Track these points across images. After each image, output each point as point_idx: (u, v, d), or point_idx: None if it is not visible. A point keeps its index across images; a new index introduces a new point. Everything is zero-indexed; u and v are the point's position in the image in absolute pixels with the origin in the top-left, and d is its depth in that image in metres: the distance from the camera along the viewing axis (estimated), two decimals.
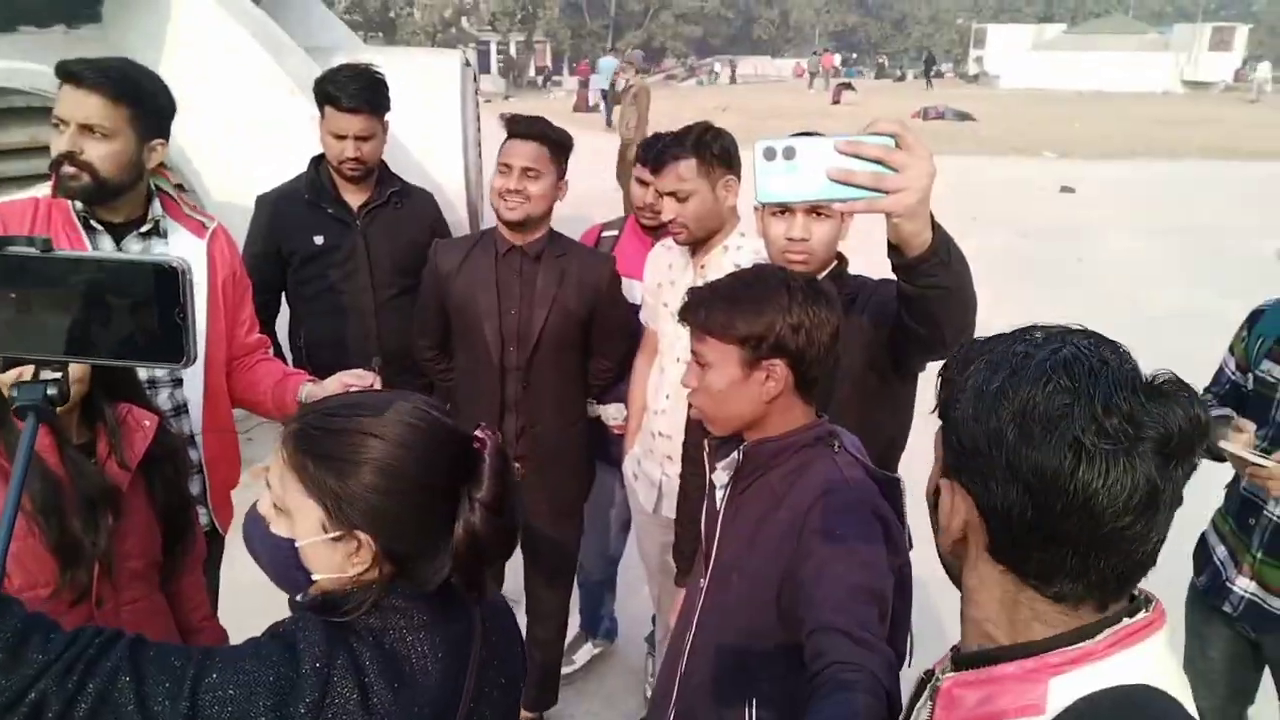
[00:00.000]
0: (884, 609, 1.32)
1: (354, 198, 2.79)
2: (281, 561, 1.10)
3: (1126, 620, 0.80)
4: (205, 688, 0.96)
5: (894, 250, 1.37)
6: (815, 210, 1.88)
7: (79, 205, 1.97)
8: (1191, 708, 0.79)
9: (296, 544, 1.08)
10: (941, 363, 0.90)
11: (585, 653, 3.28)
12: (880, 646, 1.23)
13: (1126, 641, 0.79)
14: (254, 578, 1.13)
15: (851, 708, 1.12)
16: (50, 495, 1.54)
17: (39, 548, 1.53)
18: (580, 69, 33.08)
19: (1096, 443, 0.74)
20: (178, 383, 2.11)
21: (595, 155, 10.48)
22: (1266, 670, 2.16)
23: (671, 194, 2.34)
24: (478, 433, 1.13)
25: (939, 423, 0.89)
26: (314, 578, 1.09)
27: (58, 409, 0.98)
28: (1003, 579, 0.83)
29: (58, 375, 0.96)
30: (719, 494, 1.67)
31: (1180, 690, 0.80)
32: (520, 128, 2.43)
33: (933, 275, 1.36)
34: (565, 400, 2.62)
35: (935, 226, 1.33)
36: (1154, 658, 0.80)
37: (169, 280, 0.93)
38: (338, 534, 1.06)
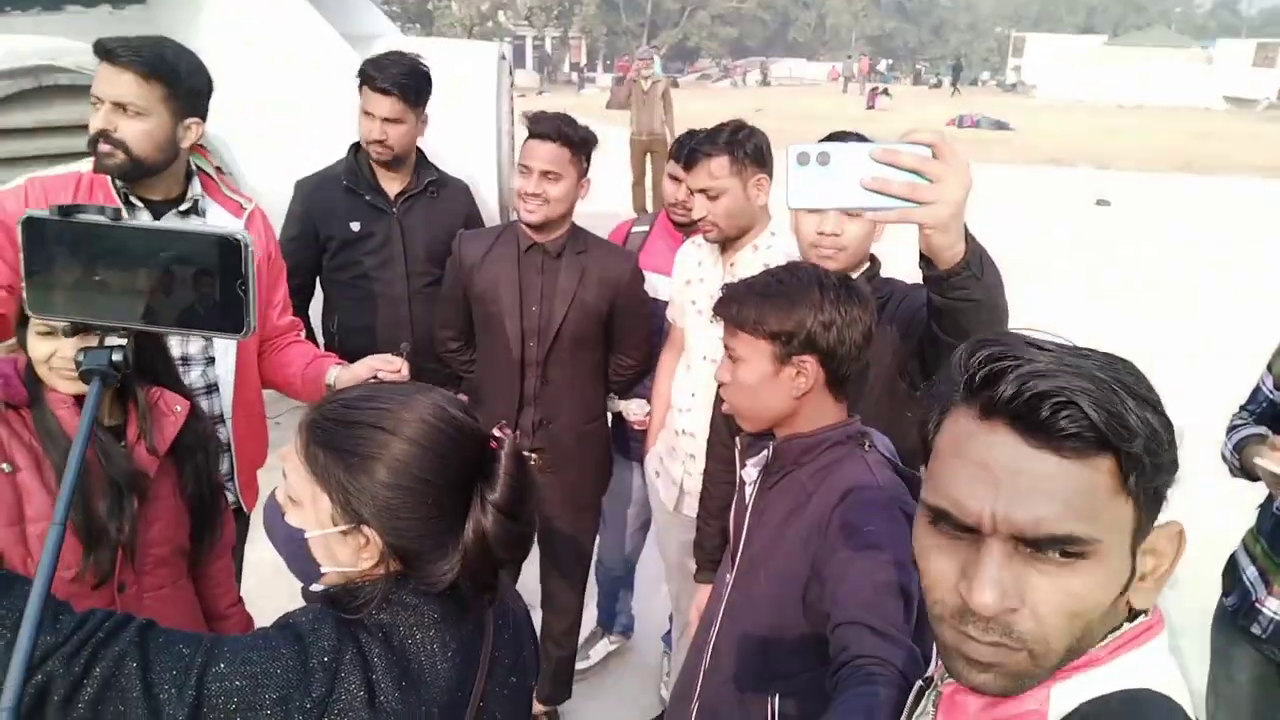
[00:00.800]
0: (911, 606, 1.31)
1: (391, 185, 2.81)
2: (293, 551, 1.09)
3: (1126, 625, 0.79)
4: (212, 676, 0.95)
5: (925, 261, 1.35)
6: (847, 210, 1.86)
7: (118, 182, 1.99)
8: (1191, 712, 0.79)
9: (306, 535, 1.07)
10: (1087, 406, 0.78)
11: (601, 649, 3.28)
12: (905, 641, 1.22)
13: (1127, 647, 0.78)
14: (277, 559, 1.14)
15: (874, 700, 1.12)
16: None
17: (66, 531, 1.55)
18: (620, 66, 33.16)
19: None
20: (210, 361, 2.13)
21: (626, 153, 10.50)
22: None
23: (703, 191, 2.33)
24: (495, 432, 1.11)
25: None
26: (322, 570, 1.08)
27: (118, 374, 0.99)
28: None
29: (122, 342, 0.98)
30: (748, 490, 1.67)
31: (1180, 694, 0.79)
32: (541, 128, 2.39)
33: (964, 288, 1.34)
34: (584, 397, 2.62)
35: (969, 238, 1.31)
36: (1154, 661, 0.79)
37: (232, 252, 0.94)
38: (345, 528, 1.05)
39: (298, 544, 1.08)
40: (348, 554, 1.07)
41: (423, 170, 2.87)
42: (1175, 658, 0.81)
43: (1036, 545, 0.72)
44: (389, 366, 1.97)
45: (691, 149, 2.39)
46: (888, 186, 1.13)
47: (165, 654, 0.95)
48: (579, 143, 2.41)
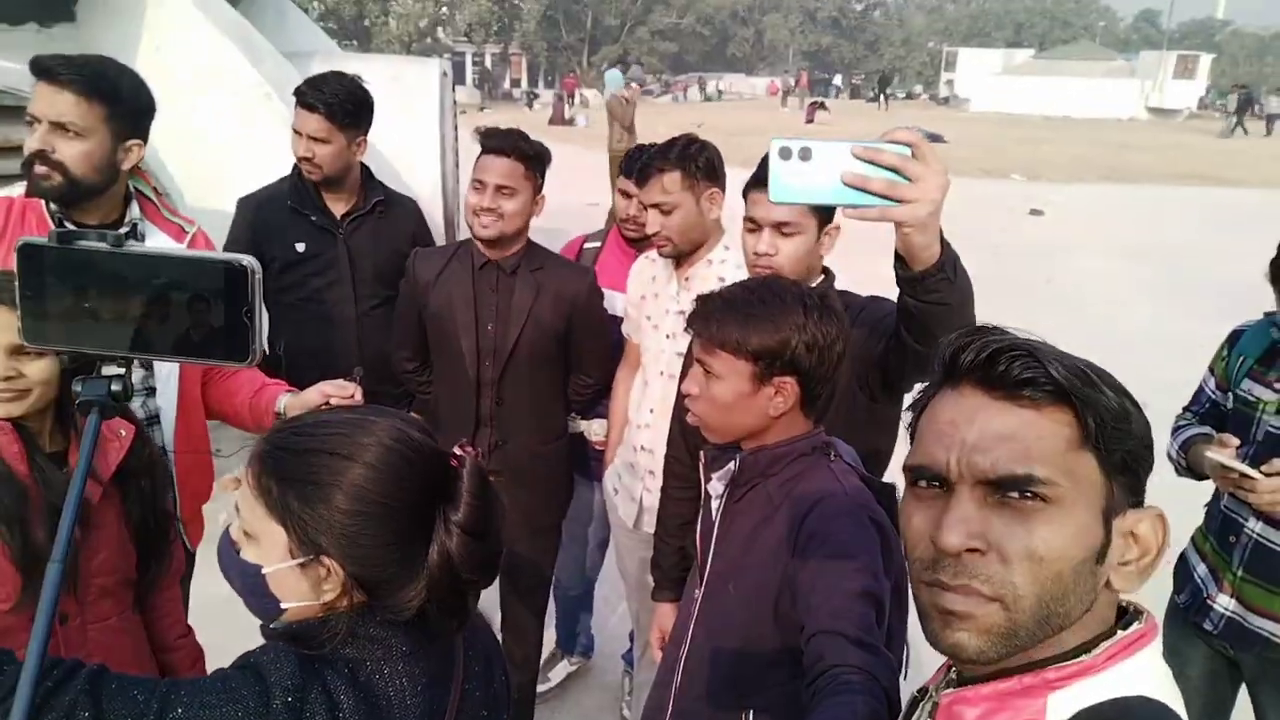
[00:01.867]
0: (881, 613, 1.31)
1: (337, 205, 2.75)
2: (250, 588, 1.04)
3: (1121, 633, 0.80)
4: None
5: (900, 262, 1.36)
6: (781, 227, 1.85)
7: (53, 206, 1.92)
8: (1185, 717, 0.80)
9: (263, 570, 1.02)
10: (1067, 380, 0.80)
11: (561, 670, 3.24)
12: (879, 648, 1.22)
13: (1122, 654, 0.79)
14: (229, 591, 1.09)
15: (852, 709, 1.11)
16: (15, 505, 1.49)
17: (1, 560, 1.48)
18: (566, 83, 33.25)
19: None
20: (150, 391, 2.06)
21: (573, 169, 10.48)
22: (1243, 689, 2.17)
23: (656, 206, 2.32)
24: (456, 450, 1.08)
25: None
26: (283, 606, 1.03)
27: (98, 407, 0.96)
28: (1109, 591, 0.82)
29: (120, 371, 0.96)
30: (714, 505, 1.65)
31: (1174, 700, 0.80)
32: (494, 142, 2.36)
33: (937, 290, 1.36)
34: (542, 416, 2.58)
35: (944, 242, 1.33)
36: (1148, 669, 0.80)
37: (239, 279, 0.92)
38: (304, 560, 1.01)
39: (254, 580, 1.03)
40: (307, 587, 1.02)
41: (370, 189, 2.81)
42: None
43: (1000, 488, 0.77)
44: (341, 392, 1.88)
45: (643, 164, 2.39)
46: (868, 183, 1.14)
47: (119, 701, 0.91)
48: (533, 157, 2.38)
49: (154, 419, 2.06)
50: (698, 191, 2.33)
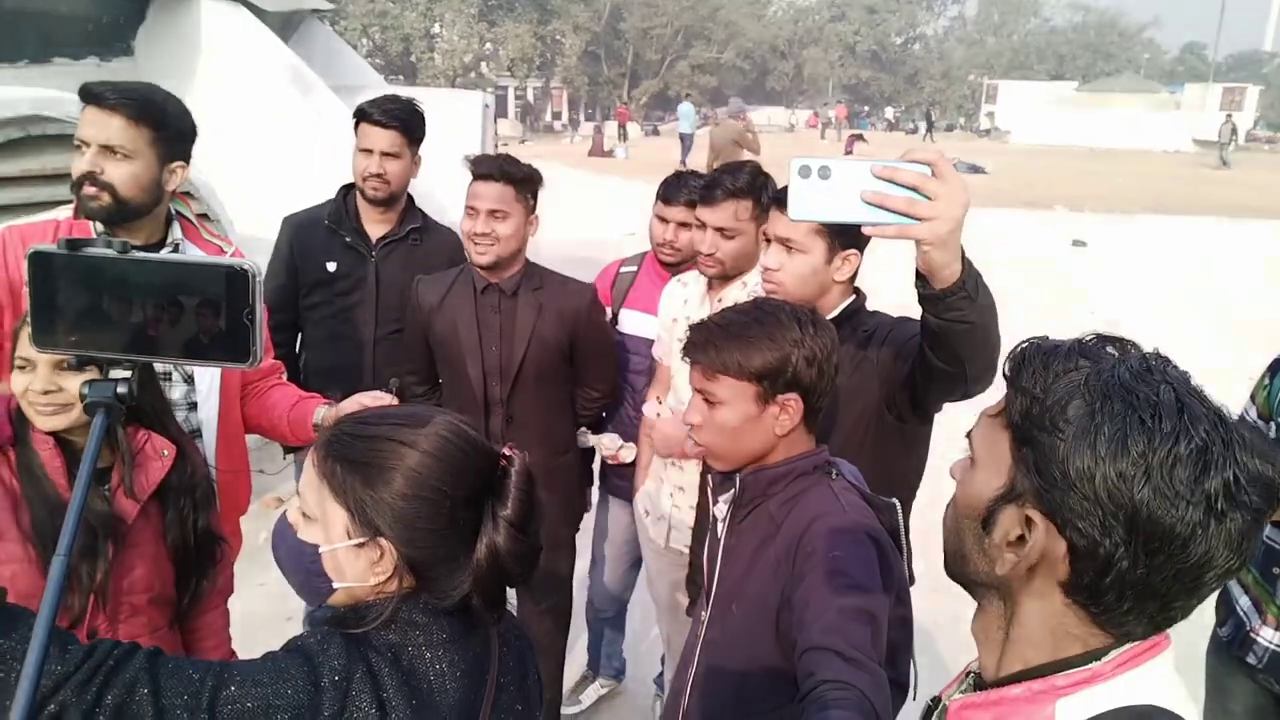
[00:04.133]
0: (878, 630, 1.31)
1: (374, 228, 2.81)
2: (304, 569, 1.09)
3: (1129, 644, 0.80)
4: (223, 700, 0.96)
5: (921, 280, 1.37)
6: (787, 243, 1.88)
7: (99, 226, 1.98)
8: None
9: (320, 549, 1.08)
10: (1007, 364, 0.85)
11: (592, 693, 3.23)
12: (870, 665, 1.21)
13: (1133, 663, 0.79)
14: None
15: None
16: (50, 519, 1.52)
17: (34, 572, 1.50)
18: (618, 113, 33.72)
19: (1227, 509, 0.72)
20: (192, 406, 2.11)
21: (613, 200, 10.59)
22: None
23: (720, 230, 2.34)
24: (505, 450, 1.13)
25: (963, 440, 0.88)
26: (335, 586, 1.08)
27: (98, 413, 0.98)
28: (1065, 611, 0.81)
29: (127, 374, 0.98)
30: (720, 526, 1.65)
31: (1189, 712, 0.80)
32: (483, 169, 2.41)
33: (959, 309, 1.36)
34: (551, 432, 2.60)
35: (965, 261, 1.33)
36: (1161, 678, 0.80)
37: (240, 282, 0.95)
38: (361, 540, 1.06)
39: (309, 560, 1.08)
40: (360, 568, 1.07)
41: (408, 216, 2.87)
42: None
43: None
44: (378, 404, 1.94)
45: (711, 184, 2.38)
46: (887, 201, 1.16)
47: (175, 679, 0.96)
48: (522, 180, 2.43)
49: (196, 432, 2.10)
50: (760, 223, 2.34)
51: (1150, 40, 64.17)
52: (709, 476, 1.76)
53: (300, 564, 1.10)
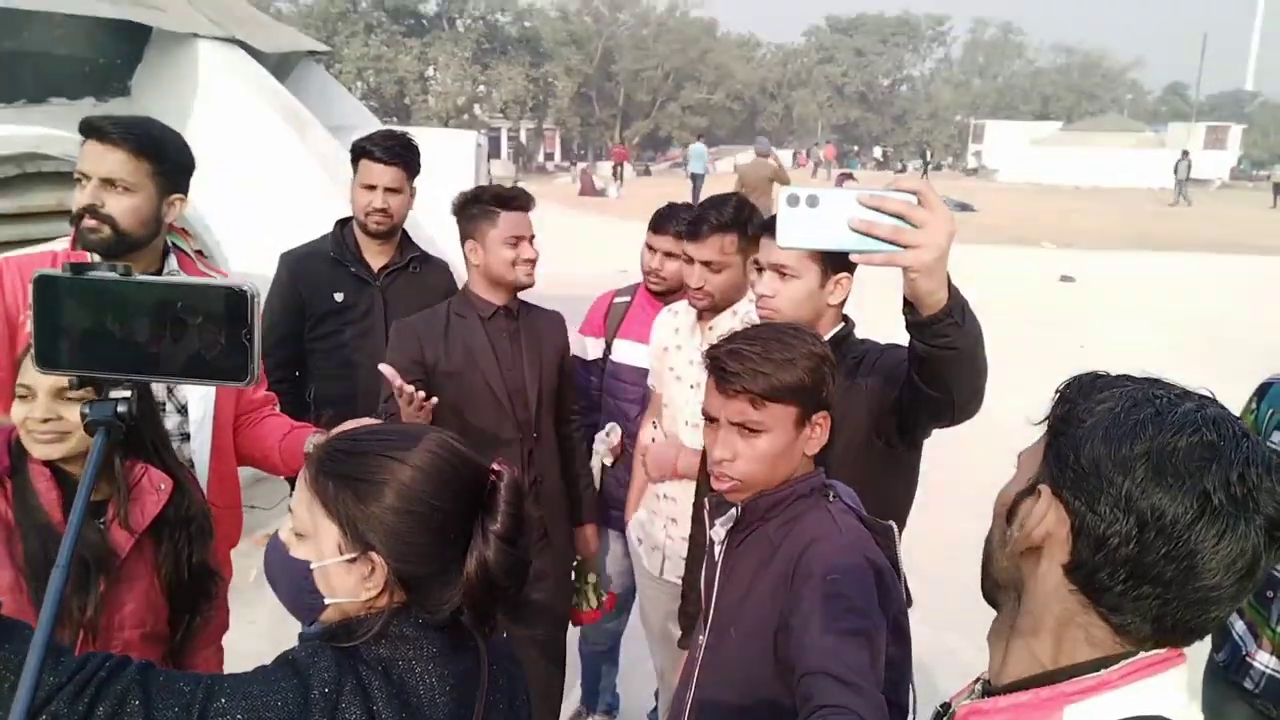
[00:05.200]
0: (876, 653, 1.30)
1: (376, 259, 2.87)
2: (297, 585, 1.11)
3: (1143, 653, 0.81)
4: (214, 712, 0.97)
5: (909, 307, 1.39)
6: (781, 269, 1.90)
7: (96, 258, 1.98)
8: None
9: (312, 566, 1.09)
10: (1063, 383, 0.91)
11: None
12: (869, 690, 1.21)
13: (1143, 673, 0.79)
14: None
15: None
16: (44, 550, 1.51)
17: (25, 603, 1.49)
18: (615, 153, 34.07)
19: (1223, 503, 0.75)
20: (185, 437, 2.10)
21: (607, 238, 10.67)
22: None
23: (706, 264, 2.36)
24: (495, 465, 1.14)
25: (1030, 447, 0.91)
26: (327, 602, 1.10)
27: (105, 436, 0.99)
28: (1068, 598, 0.83)
29: (127, 394, 0.99)
30: (717, 550, 1.65)
31: None
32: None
33: (945, 335, 1.38)
34: (558, 453, 2.67)
35: (952, 288, 1.35)
36: (1171, 692, 0.80)
37: (239, 302, 0.97)
38: (353, 555, 1.08)
39: (301, 577, 1.10)
40: (351, 584, 1.09)
41: (406, 246, 2.94)
42: None
43: None
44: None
45: (697, 219, 2.40)
46: (874, 229, 1.18)
47: (167, 692, 0.97)
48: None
49: (188, 464, 2.08)
50: (746, 255, 2.37)
51: (1133, 81, 65.27)
52: (705, 500, 1.75)
53: (293, 581, 1.11)
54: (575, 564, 2.79)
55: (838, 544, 1.44)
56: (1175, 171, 29.24)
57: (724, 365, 1.49)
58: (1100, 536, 0.79)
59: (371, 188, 2.77)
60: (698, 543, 2.21)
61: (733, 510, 1.61)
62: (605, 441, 2.80)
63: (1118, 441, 0.79)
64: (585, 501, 2.75)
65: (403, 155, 2.79)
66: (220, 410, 2.14)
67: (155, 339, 0.97)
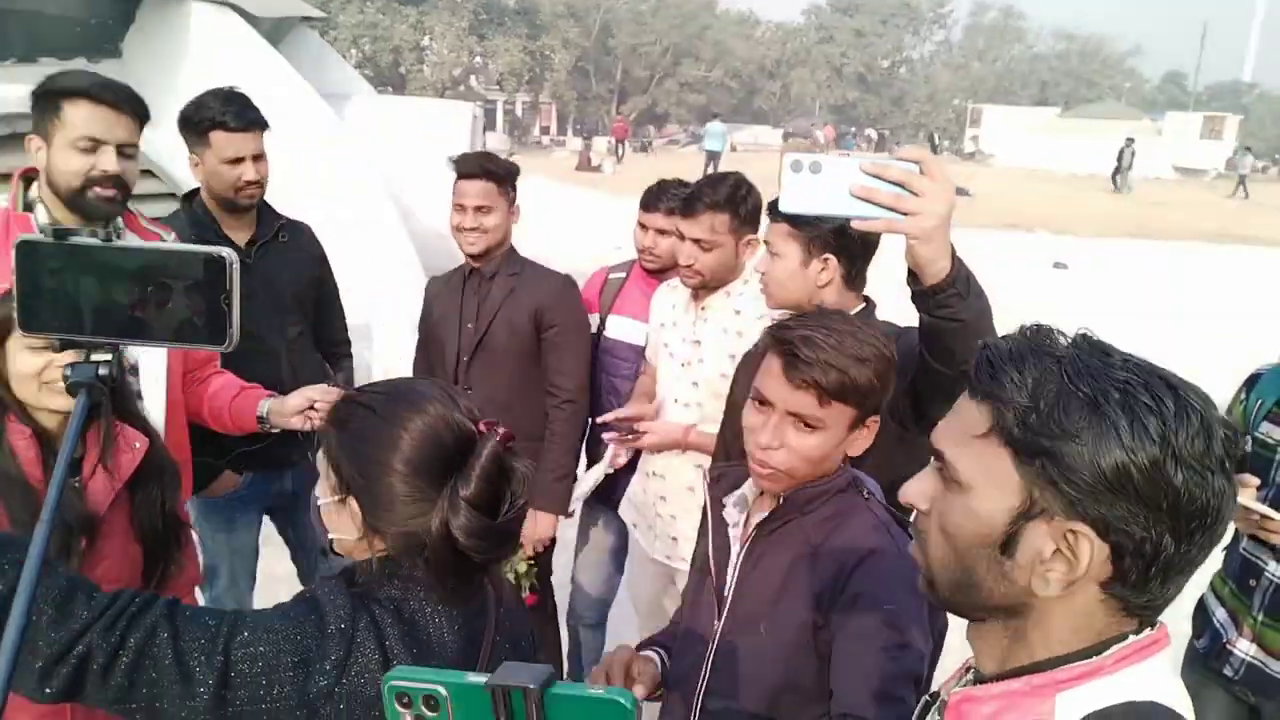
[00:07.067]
0: (919, 687, 1.29)
1: (239, 234, 2.56)
2: (316, 518, 1.21)
3: (1133, 637, 0.80)
4: (238, 644, 1.04)
5: (912, 277, 1.38)
6: (768, 247, 1.92)
7: (41, 218, 1.99)
8: None
9: (319, 501, 1.20)
10: (975, 378, 0.83)
11: None
12: None
13: (1134, 658, 0.79)
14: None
15: None
16: (27, 512, 1.51)
17: None
18: (615, 128, 33.79)
19: (1230, 467, 0.75)
20: (136, 395, 2.08)
21: (602, 215, 10.62)
22: None
23: (696, 241, 2.35)
24: (481, 427, 1.16)
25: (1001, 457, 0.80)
26: (330, 536, 1.20)
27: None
28: (1097, 607, 0.80)
29: (109, 357, 1.02)
30: (732, 532, 1.57)
31: (1186, 709, 0.80)
32: (467, 167, 2.59)
33: (949, 305, 1.37)
34: (511, 413, 2.49)
35: (957, 260, 1.35)
36: (1161, 675, 0.80)
37: (217, 268, 0.99)
38: (338, 498, 1.17)
39: (316, 510, 1.21)
40: (343, 524, 1.18)
41: (267, 215, 2.66)
42: None
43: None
44: (325, 397, 1.99)
45: (691, 197, 2.39)
46: (875, 195, 1.20)
47: (193, 625, 1.05)
48: (504, 176, 2.60)
49: None
50: (739, 235, 2.36)
51: (1132, 69, 65.12)
52: (708, 472, 1.70)
53: (314, 514, 1.22)
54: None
55: (896, 566, 1.36)
56: (1119, 159, 28.31)
57: (797, 351, 1.37)
58: (1154, 551, 0.75)
59: (238, 160, 2.46)
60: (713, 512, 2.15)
61: (743, 489, 1.55)
62: (606, 464, 2.73)
63: (1139, 447, 0.73)
64: (546, 487, 2.62)
65: (257, 117, 2.51)
66: (172, 366, 2.15)
67: (136, 303, 0.99)
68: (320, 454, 1.19)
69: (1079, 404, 0.75)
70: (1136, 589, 0.77)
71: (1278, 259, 15.09)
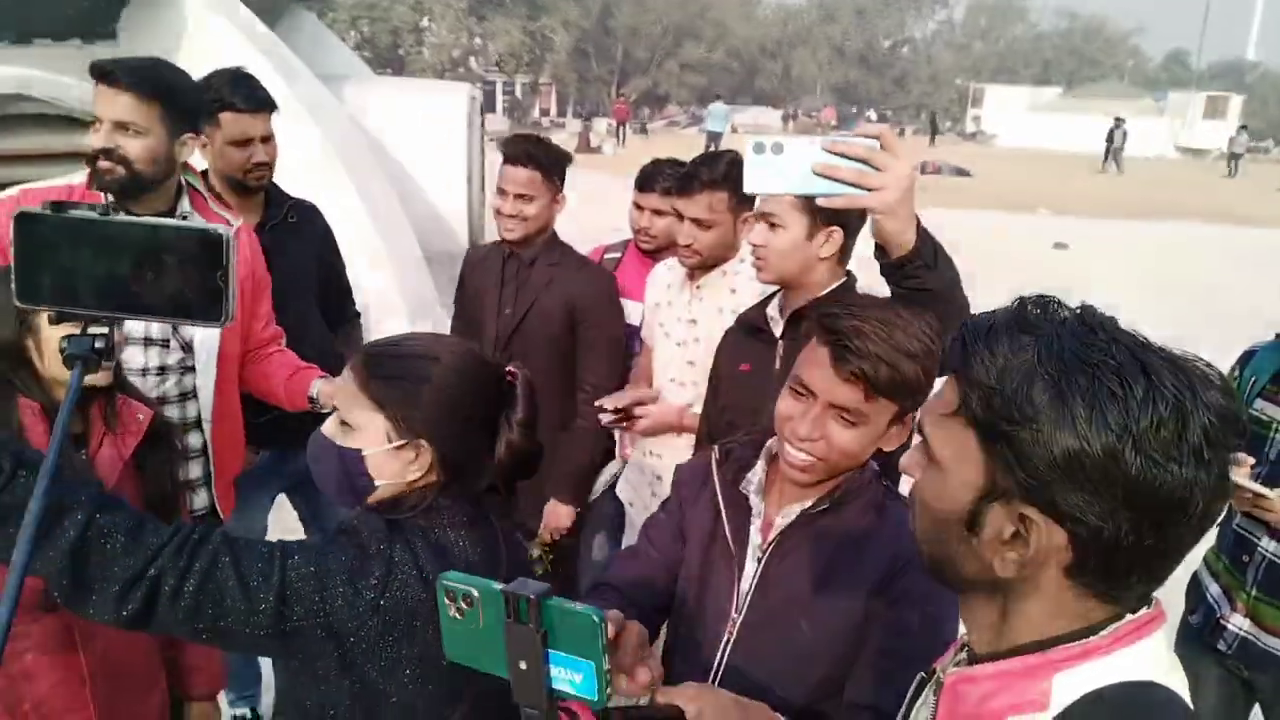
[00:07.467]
0: None
1: (248, 216, 2.50)
2: (348, 471, 1.27)
3: (1130, 616, 0.80)
4: (291, 565, 1.16)
5: (880, 251, 1.41)
6: (769, 219, 1.90)
7: (110, 198, 2.02)
8: (1191, 706, 0.80)
9: (364, 453, 1.26)
10: (950, 357, 0.81)
11: None
12: None
13: (1130, 638, 0.79)
14: None
15: None
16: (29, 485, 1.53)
17: None
18: (617, 110, 33.60)
19: (1211, 456, 0.71)
20: (187, 369, 2.17)
21: (603, 196, 10.57)
22: (1257, 708, 2.15)
23: (695, 220, 2.33)
24: (510, 367, 1.34)
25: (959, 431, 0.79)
26: (377, 483, 1.27)
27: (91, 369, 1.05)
28: (1066, 592, 0.79)
29: (105, 330, 1.04)
30: (755, 521, 1.47)
31: (1181, 687, 0.80)
32: (513, 152, 2.52)
33: (916, 276, 1.38)
34: (550, 399, 2.41)
35: (922, 232, 1.37)
36: (1157, 654, 0.80)
37: (214, 246, 1.00)
38: (401, 443, 1.25)
39: (352, 464, 1.26)
40: (398, 467, 1.27)
41: (275, 196, 2.66)
42: None
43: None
44: None
45: (688, 175, 2.36)
46: (837, 172, 1.23)
47: (250, 551, 1.16)
48: (551, 165, 2.53)
49: (189, 394, 2.18)
50: (737, 213, 2.35)
51: (1135, 48, 64.72)
52: (718, 448, 1.59)
53: (344, 468, 1.27)
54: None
55: None
56: (1109, 139, 28.11)
57: (846, 341, 1.30)
58: (1112, 541, 0.74)
59: (247, 142, 2.46)
60: None
61: (757, 470, 1.48)
62: (618, 461, 2.72)
63: (1094, 435, 0.71)
64: (566, 478, 2.62)
65: (266, 97, 2.51)
66: (226, 348, 2.21)
67: (133, 278, 1.00)
68: (358, 412, 1.26)
69: (1042, 387, 0.73)
70: (1100, 577, 0.77)
71: (1263, 238, 15.04)
